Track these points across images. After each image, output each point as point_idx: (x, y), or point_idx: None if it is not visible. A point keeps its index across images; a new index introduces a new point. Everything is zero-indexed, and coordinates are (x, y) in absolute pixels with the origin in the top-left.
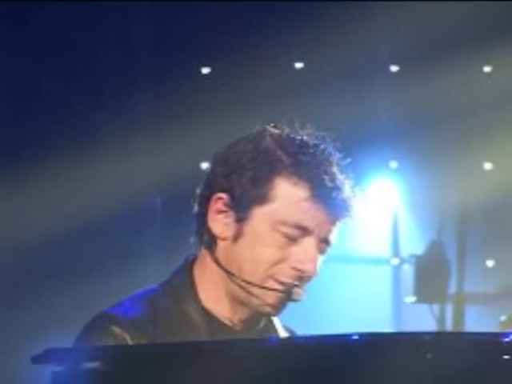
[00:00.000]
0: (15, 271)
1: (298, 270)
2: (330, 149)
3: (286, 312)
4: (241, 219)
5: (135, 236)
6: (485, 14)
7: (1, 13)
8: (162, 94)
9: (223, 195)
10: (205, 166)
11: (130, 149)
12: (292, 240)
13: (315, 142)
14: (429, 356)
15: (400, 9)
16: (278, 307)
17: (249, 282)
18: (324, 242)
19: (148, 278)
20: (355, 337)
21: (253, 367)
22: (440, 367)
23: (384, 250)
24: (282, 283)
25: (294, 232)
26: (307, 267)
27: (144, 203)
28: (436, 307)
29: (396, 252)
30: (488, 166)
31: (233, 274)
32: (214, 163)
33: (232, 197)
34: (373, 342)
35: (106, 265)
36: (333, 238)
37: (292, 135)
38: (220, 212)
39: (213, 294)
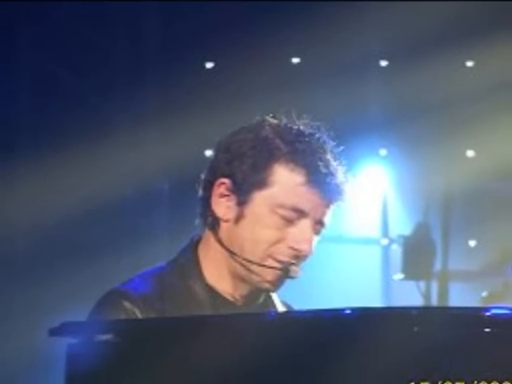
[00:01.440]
0: (34, 250)
1: (295, 250)
2: (325, 137)
3: (283, 288)
4: (242, 202)
5: (144, 218)
6: (467, 14)
7: (21, 12)
8: (169, 87)
9: (226, 180)
10: (209, 153)
11: (139, 138)
12: (289, 222)
13: (311, 131)
14: (416, 329)
15: (389, 9)
16: (277, 284)
17: (249, 261)
18: (319, 223)
19: (156, 256)
20: (348, 311)
21: (253, 339)
22: (426, 339)
23: (374, 231)
24: (280, 262)
25: (291, 214)
26: (303, 247)
27: (152, 188)
28: (422, 284)
29: (385, 233)
30: (470, 153)
31: (235, 253)
32: (217, 151)
33: (234, 182)
34: (364, 316)
35: (118, 244)
36: (327, 219)
37: (289, 125)
38: (223, 196)
39: (216, 271)
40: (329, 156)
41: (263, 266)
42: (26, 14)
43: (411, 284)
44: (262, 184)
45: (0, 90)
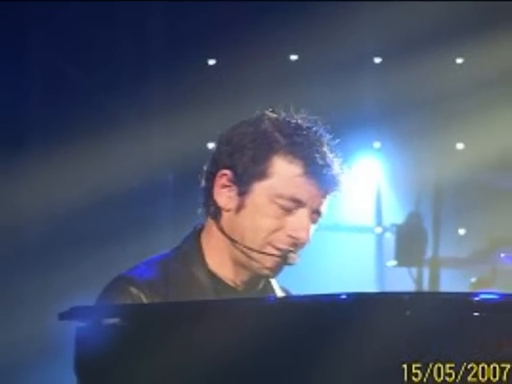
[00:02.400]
0: (44, 239)
1: (293, 238)
2: (321, 131)
3: (282, 274)
4: (242, 193)
5: (150, 208)
6: (457, 13)
7: (31, 12)
8: (173, 83)
9: (227, 172)
10: (211, 146)
11: (145, 132)
12: (288, 211)
13: (308, 124)
14: (408, 313)
15: (383, 8)
16: (276, 270)
17: (250, 248)
18: (316, 212)
19: (161, 244)
20: (344, 296)
21: (253, 323)
22: (418, 323)
23: (368, 219)
24: (278, 249)
25: (290, 204)
26: (301, 235)
27: (157, 179)
28: (414, 270)
29: (379, 222)
30: (460, 146)
31: (236, 241)
32: (219, 143)
33: (235, 173)
34: (359, 301)
35: (124, 233)
36: (324, 209)
37: (288, 119)
38: (224, 186)
39: (218, 258)
40: (325, 148)
41: (263, 253)
42: (36, 15)
43: (404, 270)
44: (261, 175)
45: (11, 86)
